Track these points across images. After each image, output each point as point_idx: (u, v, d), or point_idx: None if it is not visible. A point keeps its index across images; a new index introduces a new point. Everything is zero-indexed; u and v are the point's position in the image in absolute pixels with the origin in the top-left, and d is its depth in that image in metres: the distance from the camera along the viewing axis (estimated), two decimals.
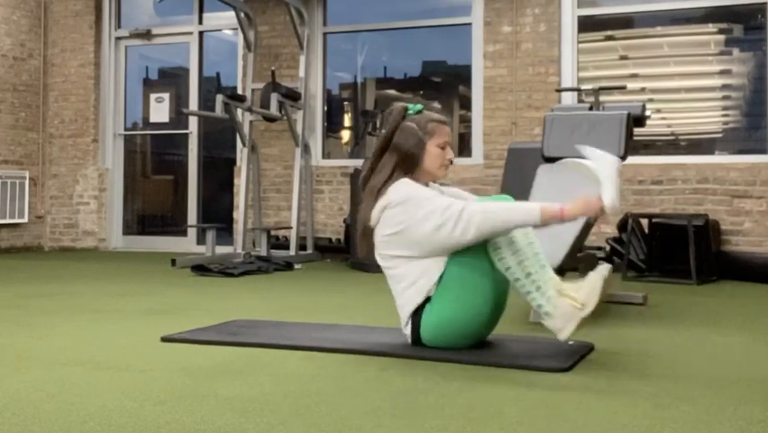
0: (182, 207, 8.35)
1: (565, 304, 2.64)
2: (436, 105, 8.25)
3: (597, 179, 2.76)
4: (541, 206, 2.67)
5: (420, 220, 2.70)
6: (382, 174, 2.82)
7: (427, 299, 2.75)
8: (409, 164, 2.83)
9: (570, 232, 3.67)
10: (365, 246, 2.91)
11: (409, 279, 2.77)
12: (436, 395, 2.20)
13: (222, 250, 6.96)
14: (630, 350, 2.91)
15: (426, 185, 2.89)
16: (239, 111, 6.94)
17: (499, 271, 2.71)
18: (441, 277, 2.73)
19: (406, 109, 2.90)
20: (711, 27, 6.86)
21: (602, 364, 2.65)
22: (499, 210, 2.65)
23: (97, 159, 8.40)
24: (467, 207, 2.67)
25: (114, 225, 8.51)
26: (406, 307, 2.80)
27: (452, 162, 2.91)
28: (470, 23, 7.19)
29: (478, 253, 2.71)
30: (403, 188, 2.77)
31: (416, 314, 2.78)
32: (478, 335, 2.80)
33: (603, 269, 2.69)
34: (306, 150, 7.29)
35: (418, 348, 2.78)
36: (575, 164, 2.92)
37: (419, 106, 2.92)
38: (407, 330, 2.82)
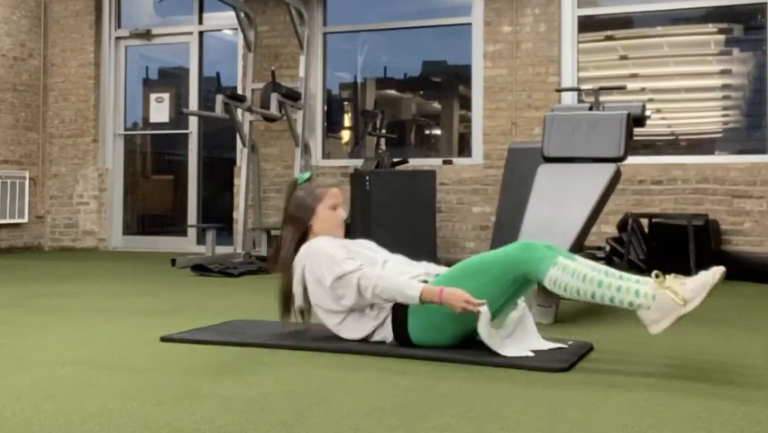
0: (182, 207, 8.35)
1: (666, 297, 2.52)
2: (436, 105, 8.26)
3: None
4: (422, 287, 2.71)
5: (320, 286, 2.86)
6: (286, 247, 3.00)
7: (401, 309, 2.80)
8: (305, 231, 3.00)
9: (569, 231, 3.67)
10: (286, 313, 3.05)
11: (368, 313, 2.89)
12: (436, 395, 2.20)
13: (222, 250, 6.96)
14: (630, 350, 2.91)
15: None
16: (239, 111, 6.93)
17: (574, 298, 2.68)
18: None
19: (295, 181, 3.09)
20: (711, 27, 6.86)
21: (602, 364, 2.65)
22: (386, 283, 2.74)
23: (97, 159, 8.40)
24: (361, 280, 2.77)
25: (114, 225, 8.51)
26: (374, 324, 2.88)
27: (345, 220, 3.07)
28: (470, 23, 7.19)
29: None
30: (306, 247, 2.93)
31: (399, 314, 2.81)
32: (466, 331, 2.80)
33: (717, 271, 2.57)
34: (306, 150, 7.28)
35: (418, 349, 2.78)
36: None
37: (306, 175, 3.13)
38: (386, 332, 2.85)
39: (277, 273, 3.03)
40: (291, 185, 3.09)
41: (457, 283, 2.72)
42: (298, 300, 2.97)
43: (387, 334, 2.84)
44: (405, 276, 2.82)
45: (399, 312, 2.81)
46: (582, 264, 2.67)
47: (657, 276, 2.56)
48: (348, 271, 2.80)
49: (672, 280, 2.56)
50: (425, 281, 2.84)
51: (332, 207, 3.02)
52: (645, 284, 2.56)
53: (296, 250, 2.97)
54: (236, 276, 5.68)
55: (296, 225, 3.00)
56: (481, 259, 2.80)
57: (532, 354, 2.68)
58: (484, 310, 2.64)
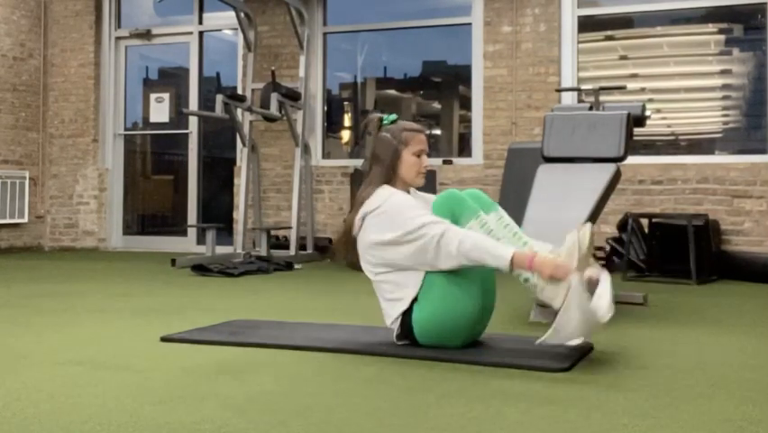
0: (182, 207, 8.35)
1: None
2: (436, 105, 8.25)
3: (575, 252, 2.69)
4: (513, 252, 2.65)
5: (395, 242, 2.76)
6: (372, 186, 2.90)
7: (414, 300, 2.78)
8: (388, 173, 2.90)
9: (570, 231, 3.67)
10: (344, 252, 2.96)
11: (392, 287, 2.82)
12: (436, 395, 2.20)
13: (222, 250, 6.96)
14: (630, 350, 2.91)
15: (407, 192, 2.94)
16: (239, 111, 6.94)
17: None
18: (425, 276, 2.77)
19: (381, 120, 2.99)
20: (711, 27, 6.86)
21: (602, 364, 2.65)
22: (475, 247, 2.66)
23: (97, 159, 8.40)
24: (445, 234, 2.68)
25: (114, 225, 8.51)
26: (391, 311, 2.84)
27: (428, 169, 2.98)
28: (470, 23, 7.19)
29: None
30: (380, 197, 2.83)
31: (405, 313, 2.80)
32: (469, 332, 2.80)
33: (576, 230, 2.64)
34: (306, 150, 7.29)
35: (418, 348, 2.78)
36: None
37: (393, 116, 3.00)
38: (396, 327, 2.84)
39: (356, 211, 2.89)
40: (376, 123, 2.98)
41: (432, 290, 2.75)
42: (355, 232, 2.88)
43: (396, 326, 2.84)
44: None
45: (408, 308, 2.79)
46: (499, 224, 2.80)
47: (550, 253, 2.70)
48: (431, 222, 2.72)
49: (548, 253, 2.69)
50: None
51: (416, 153, 2.92)
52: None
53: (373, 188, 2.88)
54: (236, 276, 5.68)
55: (382, 165, 2.90)
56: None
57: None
58: (575, 284, 2.57)
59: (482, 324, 2.87)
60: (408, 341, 2.83)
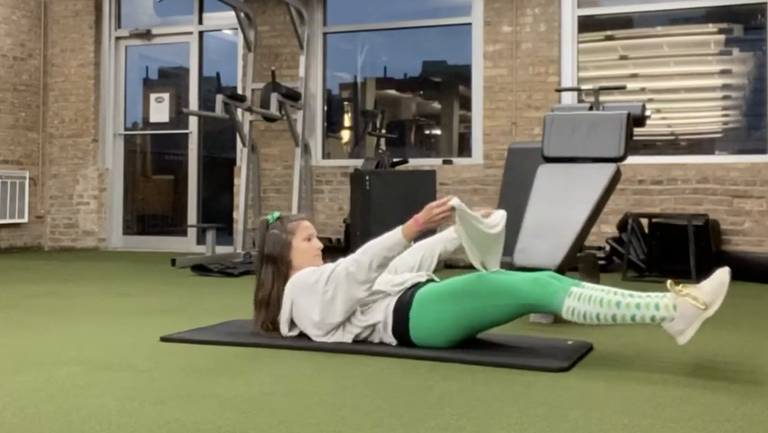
0: (182, 207, 8.35)
1: (687, 305, 2.52)
2: (436, 105, 8.26)
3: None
4: (399, 229, 2.76)
5: (324, 310, 2.84)
6: (265, 287, 3.00)
7: (400, 315, 2.81)
8: (284, 267, 2.99)
9: (570, 232, 3.67)
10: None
11: (361, 324, 2.88)
12: (436, 395, 2.20)
13: (222, 250, 6.96)
14: (630, 350, 2.91)
15: None
16: (239, 111, 6.93)
17: (595, 324, 2.68)
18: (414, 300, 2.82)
19: (266, 222, 3.09)
20: (711, 27, 6.86)
21: (602, 364, 2.65)
22: (370, 249, 2.77)
23: (97, 159, 8.40)
24: (340, 265, 2.82)
25: (114, 225, 8.51)
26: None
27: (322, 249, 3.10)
28: (470, 23, 7.19)
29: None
30: (292, 281, 2.94)
31: (399, 315, 2.81)
32: (468, 333, 2.81)
33: (726, 271, 2.61)
34: (306, 150, 7.29)
35: (418, 348, 2.78)
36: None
37: (276, 213, 3.13)
38: (388, 333, 2.85)
39: (260, 312, 3.03)
40: (263, 227, 3.09)
41: (459, 300, 2.74)
42: (284, 333, 2.97)
43: (390, 339, 2.84)
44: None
45: (401, 315, 2.81)
46: (593, 289, 2.66)
47: (672, 285, 2.56)
48: (330, 270, 2.83)
49: (687, 287, 2.56)
50: (418, 283, 2.88)
51: (306, 239, 3.04)
52: (663, 297, 2.56)
53: (272, 289, 2.98)
54: (236, 276, 5.68)
55: (275, 264, 2.99)
56: (489, 281, 2.76)
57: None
58: (456, 203, 2.72)
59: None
60: (404, 344, 2.84)
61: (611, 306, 2.59)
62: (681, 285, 2.57)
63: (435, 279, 2.97)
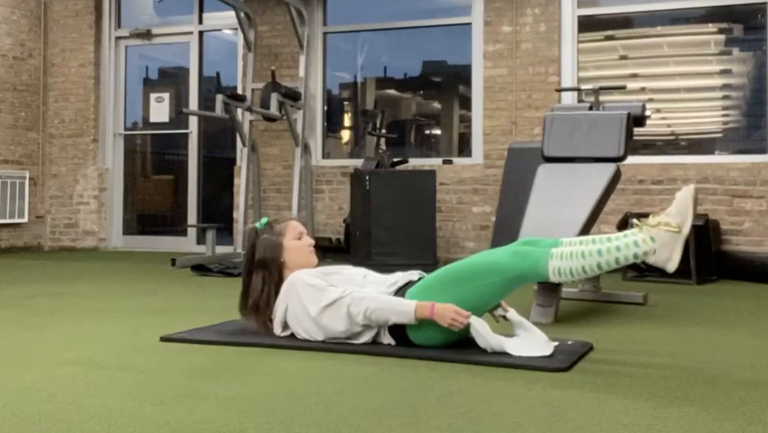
0: (182, 207, 8.35)
1: (662, 233, 2.62)
2: (436, 105, 8.26)
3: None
4: (415, 304, 2.73)
5: (305, 319, 2.87)
6: (255, 291, 2.99)
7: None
8: (276, 270, 2.98)
9: (569, 231, 3.67)
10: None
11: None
12: (436, 395, 2.20)
13: (222, 250, 6.96)
14: (630, 350, 2.91)
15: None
16: (239, 111, 6.93)
17: (583, 278, 2.72)
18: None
19: (255, 229, 3.09)
20: (711, 27, 6.86)
21: (602, 364, 2.65)
22: (379, 309, 2.75)
23: (97, 159, 8.40)
24: (352, 302, 2.78)
25: (114, 225, 8.51)
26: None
27: (314, 245, 3.10)
28: (470, 23, 7.19)
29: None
30: (286, 285, 2.93)
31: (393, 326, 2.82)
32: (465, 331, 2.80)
33: (688, 188, 2.70)
34: (306, 150, 7.29)
35: (418, 348, 2.78)
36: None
37: (264, 219, 3.15)
38: (386, 332, 2.85)
39: (250, 318, 3.02)
40: (252, 234, 3.09)
41: (448, 289, 2.74)
42: (278, 333, 2.97)
43: (388, 340, 2.84)
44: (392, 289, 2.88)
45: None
46: (571, 244, 2.74)
47: (642, 221, 2.67)
48: (334, 299, 2.81)
49: (655, 218, 2.66)
50: (410, 282, 2.88)
51: (297, 237, 3.05)
52: (639, 233, 2.65)
53: (261, 292, 2.97)
54: (236, 276, 5.67)
55: (267, 268, 2.99)
56: (471, 263, 2.79)
57: (538, 354, 2.67)
58: (473, 321, 2.69)
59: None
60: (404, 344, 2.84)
61: (593, 255, 2.66)
62: (646, 218, 2.68)
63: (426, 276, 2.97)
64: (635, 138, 4.38)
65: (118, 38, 8.56)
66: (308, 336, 2.90)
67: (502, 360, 2.62)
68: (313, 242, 3.11)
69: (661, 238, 2.62)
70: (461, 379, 2.40)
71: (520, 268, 2.71)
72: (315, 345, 2.86)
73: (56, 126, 8.46)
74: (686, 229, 2.61)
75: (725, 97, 6.80)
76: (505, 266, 2.72)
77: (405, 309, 2.72)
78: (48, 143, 8.47)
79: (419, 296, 2.78)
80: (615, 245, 2.65)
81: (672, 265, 2.63)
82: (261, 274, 2.99)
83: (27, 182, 8.16)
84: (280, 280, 2.98)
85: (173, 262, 6.13)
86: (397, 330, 2.81)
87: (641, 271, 5.73)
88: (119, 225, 8.54)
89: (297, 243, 3.04)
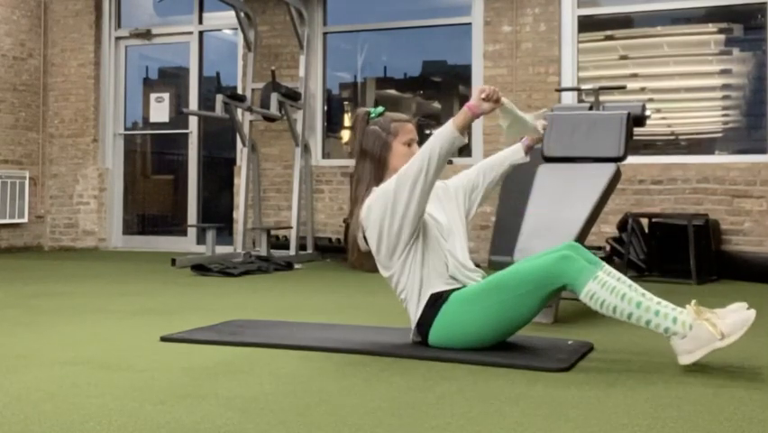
0: (182, 207, 8.35)
1: (703, 329, 2.48)
2: (436, 105, 8.25)
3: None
4: (450, 122, 2.74)
5: (383, 201, 2.75)
6: (362, 183, 2.88)
7: (433, 308, 2.75)
8: (379, 167, 2.87)
9: (569, 231, 3.67)
10: (354, 255, 2.95)
11: (406, 291, 2.80)
12: (436, 395, 2.20)
13: (222, 250, 6.96)
14: (630, 350, 2.91)
15: None
16: (239, 111, 6.94)
17: (608, 315, 2.62)
18: (446, 296, 2.75)
19: (368, 114, 2.95)
20: (711, 27, 6.86)
21: (602, 364, 2.65)
22: (422, 148, 2.72)
23: (97, 159, 8.40)
24: (406, 165, 2.74)
25: (114, 225, 8.51)
26: (410, 314, 2.83)
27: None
28: (470, 23, 7.19)
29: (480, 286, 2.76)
30: (369, 199, 2.82)
31: (424, 319, 2.79)
32: (484, 341, 2.78)
33: (752, 312, 2.55)
34: (306, 150, 7.29)
35: (419, 348, 2.78)
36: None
37: (380, 109, 2.97)
38: (414, 332, 2.84)
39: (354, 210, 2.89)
40: (363, 118, 2.94)
41: (491, 294, 2.70)
42: (361, 244, 2.86)
43: (416, 337, 2.84)
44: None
45: (429, 315, 2.77)
46: (618, 280, 2.63)
47: (696, 305, 2.54)
48: (402, 172, 2.73)
49: (709, 311, 2.54)
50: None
51: (407, 143, 2.91)
52: (683, 313, 2.53)
53: (368, 186, 2.85)
54: (236, 276, 5.68)
55: (372, 160, 2.87)
56: (516, 270, 2.73)
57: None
58: (504, 100, 2.82)
59: (500, 340, 2.84)
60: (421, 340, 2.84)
61: (631, 304, 2.54)
62: (700, 307, 2.54)
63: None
64: (635, 138, 4.38)
65: (118, 38, 8.56)
66: (380, 243, 2.77)
67: (502, 360, 2.62)
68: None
69: (697, 331, 2.48)
70: (461, 379, 2.40)
71: (562, 271, 2.62)
72: (316, 345, 2.86)
73: (56, 126, 8.46)
74: (726, 342, 2.46)
75: (725, 97, 6.80)
76: (549, 271, 2.65)
77: (443, 130, 2.70)
78: (48, 143, 8.47)
79: (464, 304, 2.73)
80: (655, 309, 2.53)
81: (687, 359, 2.50)
82: (369, 166, 2.88)
83: (27, 182, 8.16)
84: (381, 180, 2.85)
85: (173, 262, 6.13)
86: (424, 325, 2.78)
87: (641, 270, 5.73)
88: (119, 225, 8.54)
89: (405, 149, 2.89)
